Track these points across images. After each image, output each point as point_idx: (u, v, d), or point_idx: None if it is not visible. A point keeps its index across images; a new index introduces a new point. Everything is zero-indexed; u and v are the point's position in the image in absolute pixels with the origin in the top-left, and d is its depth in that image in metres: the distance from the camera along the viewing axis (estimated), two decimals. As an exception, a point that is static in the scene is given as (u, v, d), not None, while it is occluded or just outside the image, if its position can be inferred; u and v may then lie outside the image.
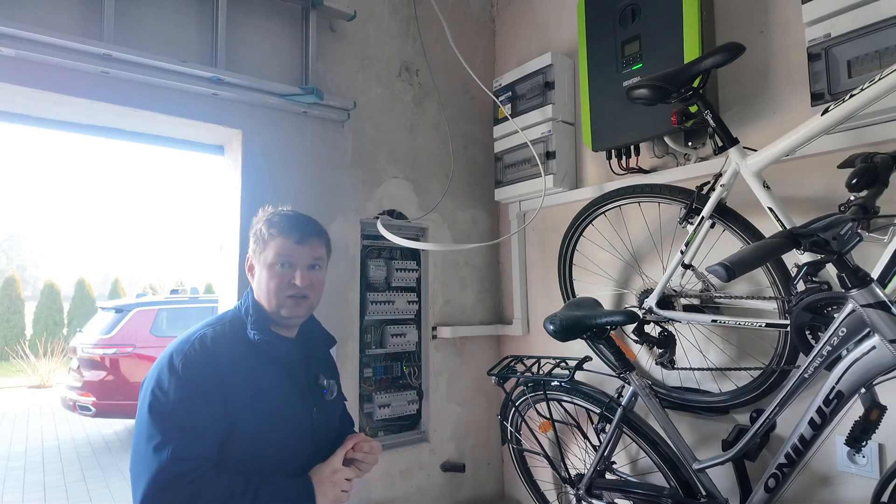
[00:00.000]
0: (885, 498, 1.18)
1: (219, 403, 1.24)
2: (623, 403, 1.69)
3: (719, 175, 1.58)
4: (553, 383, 1.92)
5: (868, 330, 1.13)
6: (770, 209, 1.45)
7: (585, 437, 1.90)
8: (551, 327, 1.73)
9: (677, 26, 1.77)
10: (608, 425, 1.73)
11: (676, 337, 1.77)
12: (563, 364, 1.97)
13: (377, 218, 2.31)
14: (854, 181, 1.16)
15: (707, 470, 1.53)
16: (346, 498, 1.35)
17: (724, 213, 1.60)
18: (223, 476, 1.19)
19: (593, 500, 1.77)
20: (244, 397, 1.29)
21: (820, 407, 1.22)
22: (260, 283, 1.42)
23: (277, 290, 1.39)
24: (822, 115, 1.32)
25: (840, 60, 1.45)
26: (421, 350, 2.50)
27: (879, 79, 1.20)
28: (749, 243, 1.55)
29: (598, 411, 1.80)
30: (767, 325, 1.52)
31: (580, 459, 2.01)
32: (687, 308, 1.73)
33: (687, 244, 1.64)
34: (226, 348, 1.31)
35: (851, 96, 1.25)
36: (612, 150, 2.04)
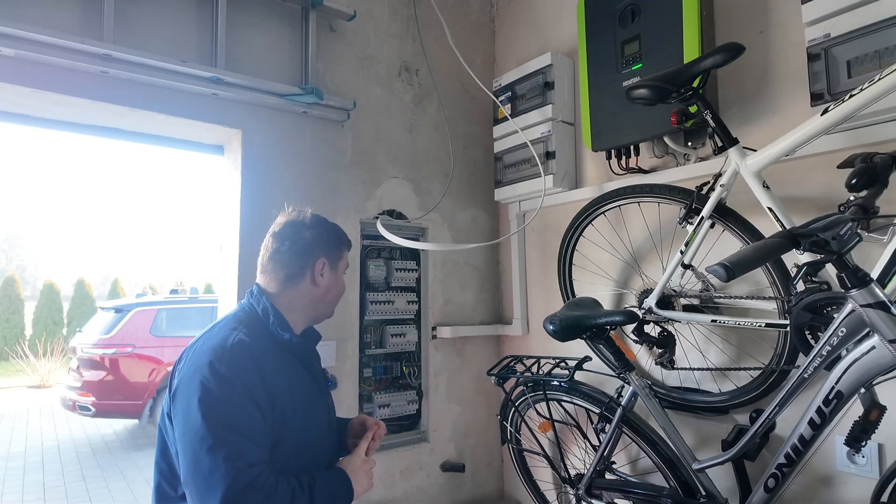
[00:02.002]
0: (884, 498, 1.18)
1: (267, 406, 1.24)
2: (623, 403, 1.69)
3: (719, 175, 1.58)
4: (553, 383, 1.92)
5: (868, 330, 1.13)
6: (770, 209, 1.45)
7: (585, 437, 1.90)
8: (551, 327, 1.73)
9: (677, 26, 1.77)
10: (608, 425, 1.74)
11: (676, 337, 1.77)
12: (562, 364, 1.97)
13: (377, 218, 2.31)
14: (854, 181, 1.16)
15: (707, 470, 1.53)
16: (372, 485, 1.42)
17: (724, 213, 1.60)
18: (282, 478, 1.20)
19: (593, 500, 1.77)
20: (287, 398, 1.30)
21: (819, 407, 1.22)
22: (331, 289, 1.50)
23: (341, 295, 1.55)
24: (821, 115, 1.32)
25: (840, 60, 1.45)
26: (421, 350, 2.50)
27: (879, 79, 1.20)
28: (749, 243, 1.55)
29: (597, 411, 1.80)
30: (767, 325, 1.52)
31: (580, 459, 2.01)
32: (687, 308, 1.73)
33: (687, 244, 1.64)
34: (262, 350, 1.31)
35: (851, 96, 1.26)
36: (612, 150, 2.04)
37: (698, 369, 1.79)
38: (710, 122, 1.53)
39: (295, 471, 1.27)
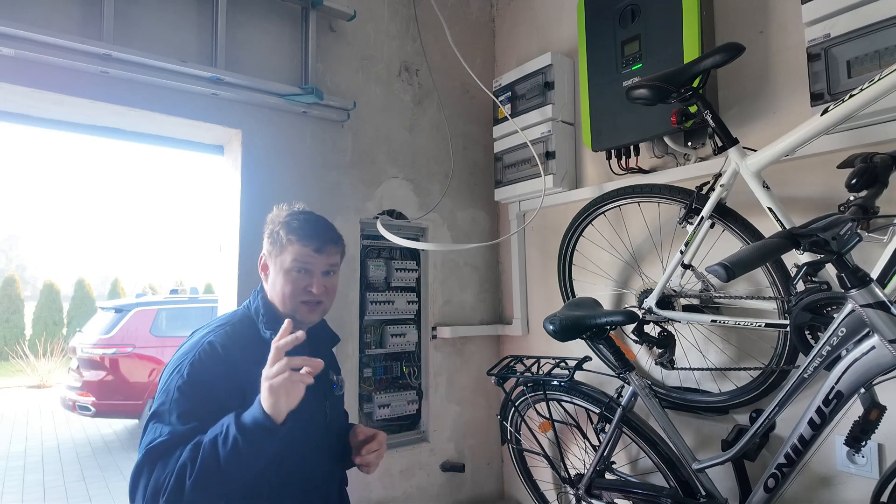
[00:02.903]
0: (884, 498, 1.18)
1: (231, 401, 1.23)
2: (623, 403, 1.69)
3: (719, 175, 1.58)
4: (553, 383, 1.92)
5: (867, 330, 1.13)
6: (769, 209, 1.45)
7: (585, 437, 1.90)
8: (551, 327, 1.73)
9: (677, 26, 1.77)
10: (608, 425, 1.73)
11: (676, 337, 1.77)
12: (562, 364, 1.97)
13: (377, 218, 2.31)
14: (853, 181, 1.16)
15: (706, 470, 1.53)
16: (299, 390, 1.15)
17: (724, 213, 1.60)
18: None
19: (593, 500, 1.77)
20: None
21: (819, 407, 1.22)
22: (274, 285, 1.41)
23: (292, 295, 1.39)
24: (821, 115, 1.32)
25: (840, 60, 1.45)
26: (421, 350, 2.50)
27: (879, 79, 1.20)
28: (749, 243, 1.55)
29: (597, 411, 1.80)
30: (767, 325, 1.52)
31: (580, 459, 2.01)
32: (686, 308, 1.73)
33: (686, 244, 1.64)
34: (240, 349, 1.31)
35: (851, 96, 1.26)
36: (612, 150, 2.04)
37: (698, 369, 1.79)
38: (710, 122, 1.53)
39: (283, 471, 1.28)
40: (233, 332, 1.33)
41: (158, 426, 1.18)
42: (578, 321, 1.70)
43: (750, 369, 1.65)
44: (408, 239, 2.21)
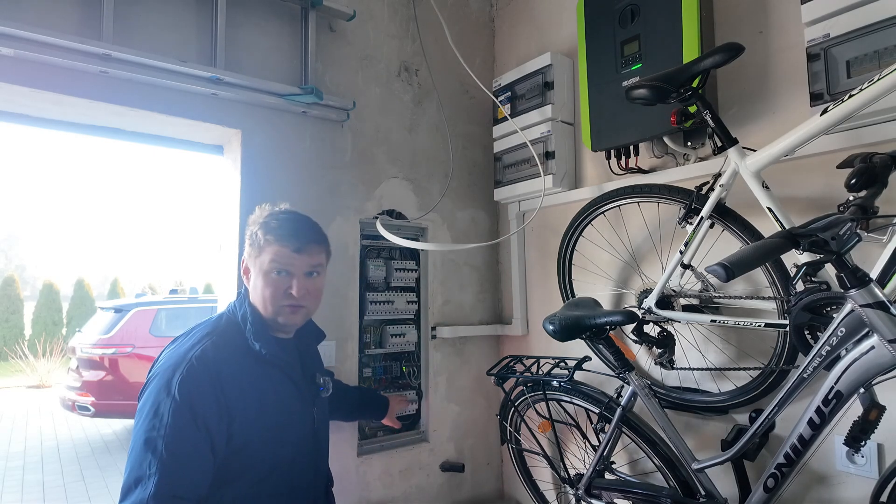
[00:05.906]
0: (883, 498, 1.18)
1: (220, 428, 1.20)
2: (622, 403, 1.69)
3: (718, 175, 1.59)
4: (552, 383, 1.92)
5: (867, 330, 1.13)
6: (769, 209, 1.45)
7: (585, 437, 1.90)
8: (550, 327, 1.73)
9: (676, 26, 1.77)
10: (607, 425, 1.74)
11: (675, 337, 1.78)
12: (562, 364, 1.97)
13: (376, 218, 2.31)
14: (853, 181, 1.16)
15: (706, 470, 1.53)
16: None
17: (724, 214, 1.60)
18: None
19: (592, 500, 1.77)
20: (252, 411, 1.26)
21: (819, 407, 1.22)
22: (255, 288, 1.37)
23: (273, 298, 1.34)
24: (821, 115, 1.32)
25: (839, 60, 1.45)
26: (420, 350, 2.49)
27: (878, 79, 1.20)
28: (748, 243, 1.55)
29: (597, 411, 1.80)
30: (766, 325, 1.52)
31: (579, 459, 2.01)
32: (686, 308, 1.74)
33: (686, 244, 1.64)
34: (229, 364, 1.26)
35: (850, 96, 1.26)
36: (612, 150, 2.04)
37: (698, 369, 1.79)
38: (710, 122, 1.53)
39: (272, 481, 1.27)
40: (220, 342, 1.28)
41: (150, 478, 1.10)
42: (578, 321, 1.70)
43: (749, 369, 1.66)
44: (407, 239, 2.21)
